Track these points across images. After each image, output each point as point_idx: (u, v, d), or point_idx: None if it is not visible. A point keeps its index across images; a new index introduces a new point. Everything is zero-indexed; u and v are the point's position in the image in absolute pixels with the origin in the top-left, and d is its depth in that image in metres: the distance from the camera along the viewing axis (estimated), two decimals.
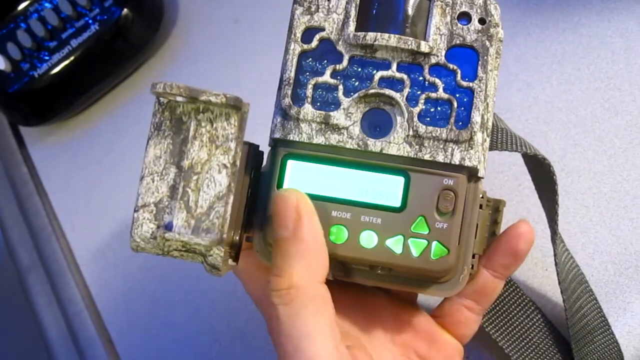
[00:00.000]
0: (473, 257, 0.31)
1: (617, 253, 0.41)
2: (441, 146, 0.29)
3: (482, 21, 0.30)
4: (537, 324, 0.38)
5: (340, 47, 0.30)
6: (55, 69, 0.52)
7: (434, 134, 0.29)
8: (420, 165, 0.29)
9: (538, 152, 0.35)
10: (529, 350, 0.38)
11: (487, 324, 0.37)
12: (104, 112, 0.56)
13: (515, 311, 0.38)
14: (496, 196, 0.33)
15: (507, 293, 0.38)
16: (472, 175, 0.30)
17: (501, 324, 0.38)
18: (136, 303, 0.49)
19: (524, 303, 0.38)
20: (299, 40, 0.30)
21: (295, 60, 0.30)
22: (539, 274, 0.41)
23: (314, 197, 0.29)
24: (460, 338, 0.34)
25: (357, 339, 0.33)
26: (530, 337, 0.38)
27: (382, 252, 0.29)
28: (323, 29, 0.30)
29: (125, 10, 0.53)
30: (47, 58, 0.52)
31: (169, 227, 0.26)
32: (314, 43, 0.30)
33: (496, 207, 0.33)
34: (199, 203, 0.25)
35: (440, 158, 0.29)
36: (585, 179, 0.43)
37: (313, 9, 0.30)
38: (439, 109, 0.29)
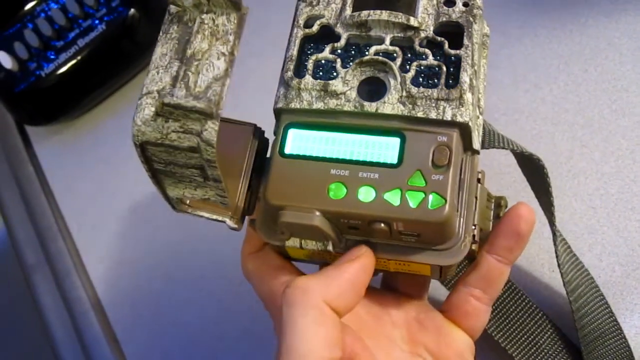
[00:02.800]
0: (474, 228, 0.32)
1: (624, 254, 0.41)
2: (433, 104, 0.30)
3: (465, 4, 0.32)
4: (545, 330, 0.38)
5: (339, 29, 0.32)
6: (62, 69, 0.52)
7: (425, 94, 0.30)
8: (415, 123, 0.30)
9: (532, 153, 0.36)
10: (539, 358, 0.37)
11: (495, 332, 0.37)
12: (110, 112, 0.57)
13: (522, 318, 0.38)
14: None
15: (513, 300, 0.38)
16: (466, 136, 0.31)
17: (509, 331, 0.38)
18: (142, 302, 0.49)
19: (530, 310, 0.38)
20: (301, 26, 0.33)
21: (298, 42, 0.32)
22: (545, 275, 0.41)
23: (313, 158, 0.30)
24: (470, 331, 0.34)
25: (362, 339, 0.33)
26: (539, 344, 0.38)
27: (380, 205, 0.29)
28: (323, 17, 0.33)
29: (132, 11, 0.53)
30: (53, 57, 0.53)
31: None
32: (315, 28, 0.32)
33: (498, 203, 0.34)
34: (198, 83, 0.27)
35: (432, 115, 0.30)
36: (593, 180, 0.43)
37: (315, 2, 0.33)
38: (429, 73, 0.31)
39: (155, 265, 0.50)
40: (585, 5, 0.47)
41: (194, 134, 0.27)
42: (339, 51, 0.32)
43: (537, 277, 0.41)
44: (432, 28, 0.32)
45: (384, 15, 0.32)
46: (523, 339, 0.38)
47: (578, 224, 0.42)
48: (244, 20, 0.28)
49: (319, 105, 0.31)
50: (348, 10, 0.32)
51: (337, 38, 0.32)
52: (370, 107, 0.30)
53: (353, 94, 0.31)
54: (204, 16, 0.28)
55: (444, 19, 0.32)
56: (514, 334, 0.38)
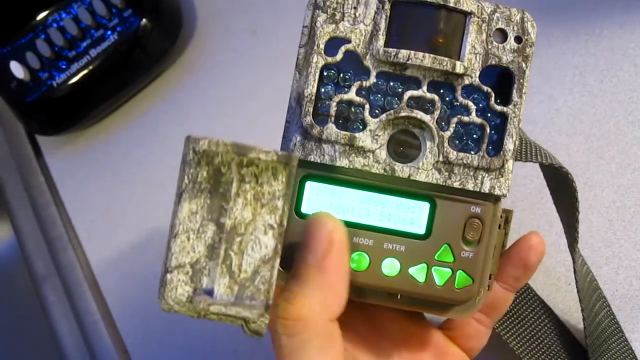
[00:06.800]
0: (490, 277, 0.31)
1: None
2: (471, 174, 0.28)
3: (518, 40, 0.28)
4: (548, 325, 0.38)
5: (368, 63, 0.28)
6: (74, 79, 0.52)
7: (464, 161, 0.28)
8: (448, 192, 0.28)
9: (555, 161, 0.35)
10: (541, 352, 0.37)
11: (497, 324, 0.37)
12: (121, 122, 0.56)
13: (526, 312, 0.38)
14: (518, 209, 0.32)
15: (524, 301, 0.38)
16: (500, 200, 0.29)
17: (512, 325, 0.37)
18: (152, 313, 0.49)
19: (535, 304, 0.38)
20: (322, 52, 0.27)
21: (317, 74, 0.28)
22: (562, 288, 0.41)
23: None
24: (469, 351, 0.34)
25: (362, 353, 0.32)
26: (541, 338, 0.38)
27: (405, 281, 0.28)
28: (349, 41, 0.27)
29: (144, 21, 0.53)
30: (65, 67, 0.53)
31: (209, 293, 0.24)
32: (339, 56, 0.28)
33: (506, 218, 0.32)
34: (243, 267, 0.24)
35: (469, 186, 0.28)
36: (609, 192, 0.42)
37: (337, 16, 0.27)
38: (470, 133, 0.28)
39: None
40: (599, 16, 0.47)
41: (239, 318, 0.24)
42: (367, 90, 0.28)
43: (553, 290, 0.41)
44: (478, 73, 0.28)
45: (427, 60, 0.27)
46: (532, 339, 0.38)
47: (595, 237, 0.41)
48: (293, 174, 0.24)
49: (343, 162, 0.27)
50: (381, 41, 0.27)
51: (366, 73, 0.28)
52: (402, 172, 0.28)
53: (383, 154, 0.28)
54: (243, 171, 0.23)
55: (494, 62, 0.28)
56: (523, 333, 0.38)
